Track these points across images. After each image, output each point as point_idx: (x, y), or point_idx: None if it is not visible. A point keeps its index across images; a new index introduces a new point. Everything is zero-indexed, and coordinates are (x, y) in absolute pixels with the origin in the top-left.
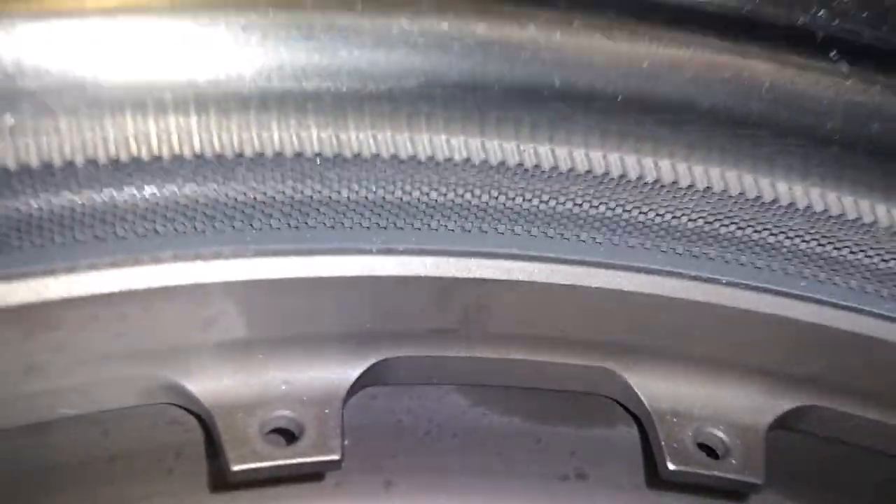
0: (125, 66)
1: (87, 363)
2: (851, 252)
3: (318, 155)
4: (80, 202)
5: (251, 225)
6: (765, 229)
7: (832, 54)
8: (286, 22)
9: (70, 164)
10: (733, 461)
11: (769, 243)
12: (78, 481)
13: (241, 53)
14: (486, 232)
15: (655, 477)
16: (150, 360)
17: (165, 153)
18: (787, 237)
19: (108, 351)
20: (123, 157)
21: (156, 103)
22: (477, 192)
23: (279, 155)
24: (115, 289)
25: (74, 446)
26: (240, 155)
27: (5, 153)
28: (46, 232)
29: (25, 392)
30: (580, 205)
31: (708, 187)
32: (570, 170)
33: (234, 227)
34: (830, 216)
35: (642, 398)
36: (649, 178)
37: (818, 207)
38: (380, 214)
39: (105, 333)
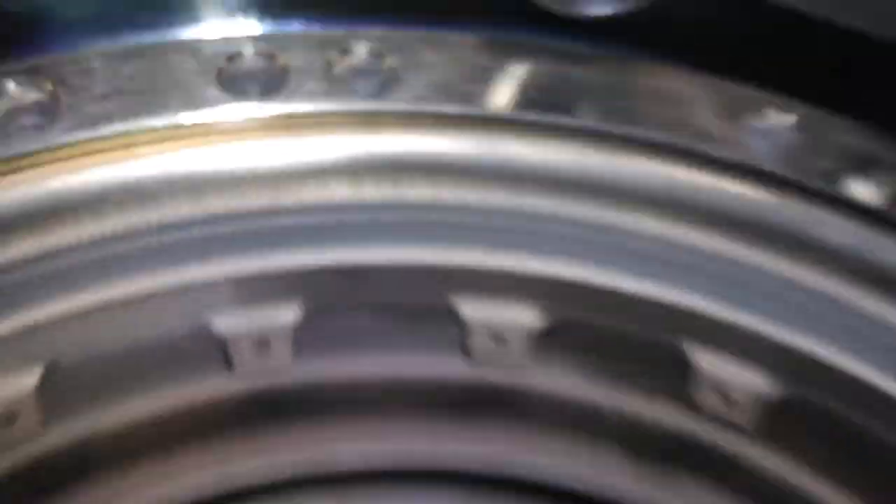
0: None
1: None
2: None
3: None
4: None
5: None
6: None
7: None
8: None
9: None
10: (512, 351)
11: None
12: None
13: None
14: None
15: (468, 355)
16: (190, 313)
17: None
18: None
19: (167, 315)
20: None
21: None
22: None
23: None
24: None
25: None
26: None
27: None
28: None
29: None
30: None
31: None
32: None
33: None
34: None
35: (459, 311)
36: None
37: None
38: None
39: (164, 307)
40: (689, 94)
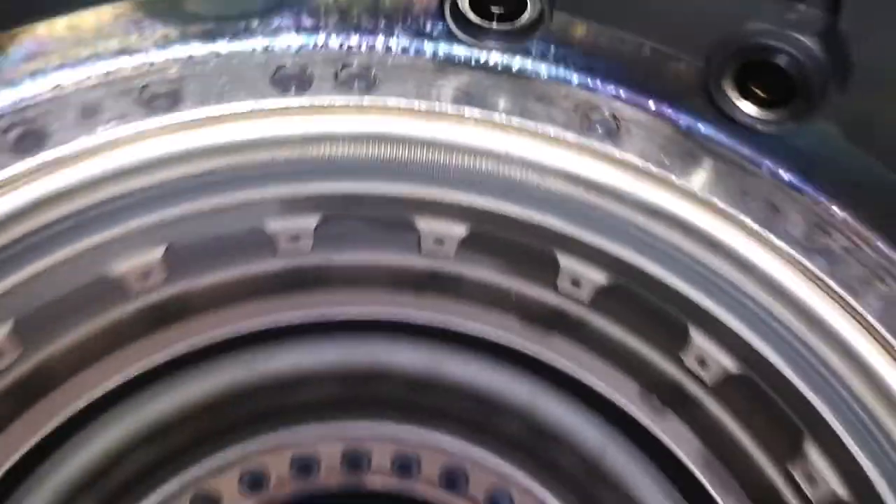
0: None
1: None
2: None
3: None
4: None
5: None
6: None
7: None
8: None
9: None
10: (447, 250)
11: None
12: (218, 245)
13: None
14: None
15: (420, 251)
16: (252, 218)
17: None
18: None
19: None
20: None
21: None
22: None
23: None
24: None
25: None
26: None
27: None
28: None
29: None
30: None
31: None
32: None
33: None
34: None
35: (415, 224)
36: None
37: None
38: None
39: (238, 214)
40: (555, 97)
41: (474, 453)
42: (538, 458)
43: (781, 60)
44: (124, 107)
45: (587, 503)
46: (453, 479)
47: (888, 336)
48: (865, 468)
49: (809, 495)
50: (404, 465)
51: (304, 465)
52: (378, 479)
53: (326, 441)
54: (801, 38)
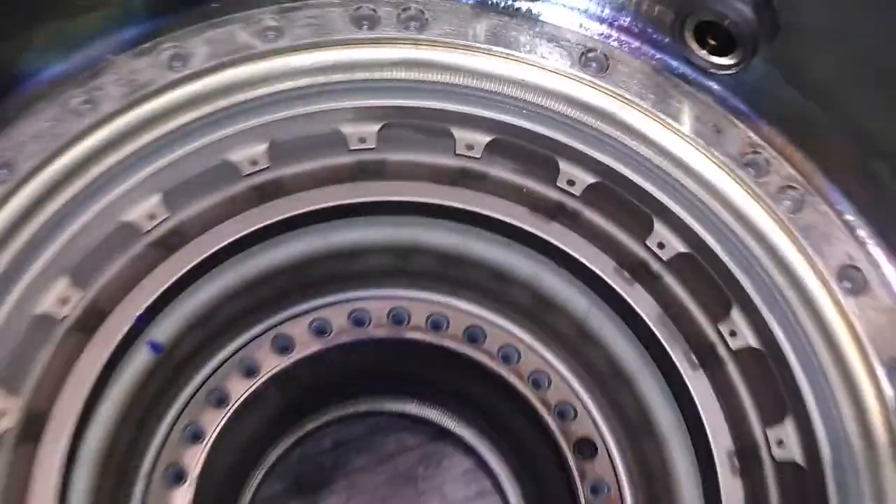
0: None
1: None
2: None
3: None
4: None
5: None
6: None
7: None
8: None
9: None
10: (475, 153)
11: None
12: (304, 144)
13: None
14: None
15: (454, 153)
16: (332, 123)
17: None
18: None
19: (322, 123)
20: None
21: None
22: None
23: None
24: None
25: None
26: None
27: None
28: None
29: None
30: None
31: None
32: None
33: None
34: None
35: (452, 132)
36: None
37: None
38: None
39: (321, 120)
40: (561, 38)
41: (490, 316)
42: (539, 320)
43: (724, 20)
44: (242, 38)
45: (575, 355)
46: (474, 336)
47: (794, 230)
48: (771, 325)
49: (731, 345)
50: (436, 323)
51: (359, 319)
52: (415, 333)
53: (376, 300)
54: (738, 4)
